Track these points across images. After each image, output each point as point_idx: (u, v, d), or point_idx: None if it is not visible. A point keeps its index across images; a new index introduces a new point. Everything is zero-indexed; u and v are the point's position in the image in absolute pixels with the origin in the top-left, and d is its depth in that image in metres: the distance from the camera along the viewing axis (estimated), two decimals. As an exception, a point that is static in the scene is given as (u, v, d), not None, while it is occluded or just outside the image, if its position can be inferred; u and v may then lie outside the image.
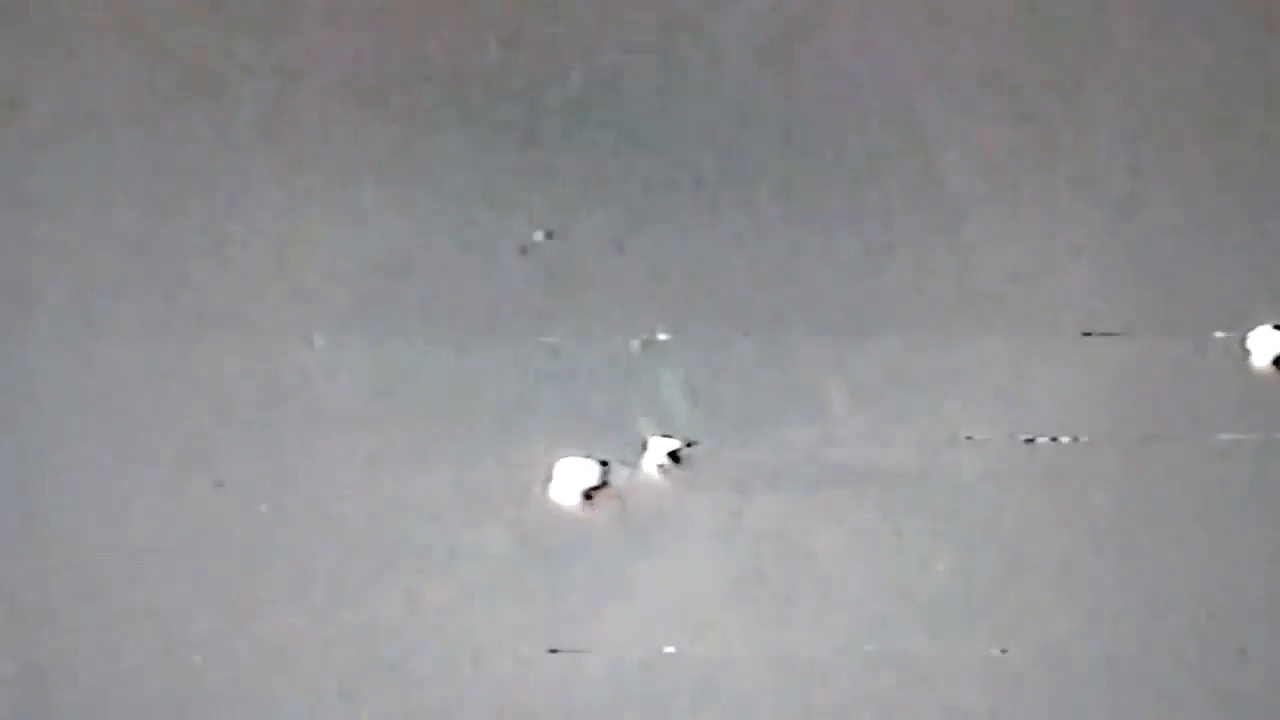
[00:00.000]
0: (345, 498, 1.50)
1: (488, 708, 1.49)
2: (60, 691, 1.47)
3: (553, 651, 1.50)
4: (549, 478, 1.51)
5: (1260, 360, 1.52)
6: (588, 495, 1.50)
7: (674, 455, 1.50)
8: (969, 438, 1.52)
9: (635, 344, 1.53)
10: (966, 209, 1.55)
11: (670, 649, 1.51)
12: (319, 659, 1.48)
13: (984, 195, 1.55)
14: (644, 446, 1.51)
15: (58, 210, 1.51)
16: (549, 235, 1.53)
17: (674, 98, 1.56)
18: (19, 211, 1.51)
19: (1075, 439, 1.52)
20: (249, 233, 1.52)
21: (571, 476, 1.50)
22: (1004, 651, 1.52)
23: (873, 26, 1.56)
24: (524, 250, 1.53)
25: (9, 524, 1.48)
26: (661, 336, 1.54)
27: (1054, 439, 1.53)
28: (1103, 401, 1.53)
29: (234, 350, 1.51)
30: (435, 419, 1.51)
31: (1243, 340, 1.52)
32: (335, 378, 1.51)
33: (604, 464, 1.50)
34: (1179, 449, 1.52)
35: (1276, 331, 1.52)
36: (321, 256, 1.53)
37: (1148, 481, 1.52)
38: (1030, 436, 1.53)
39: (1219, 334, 1.52)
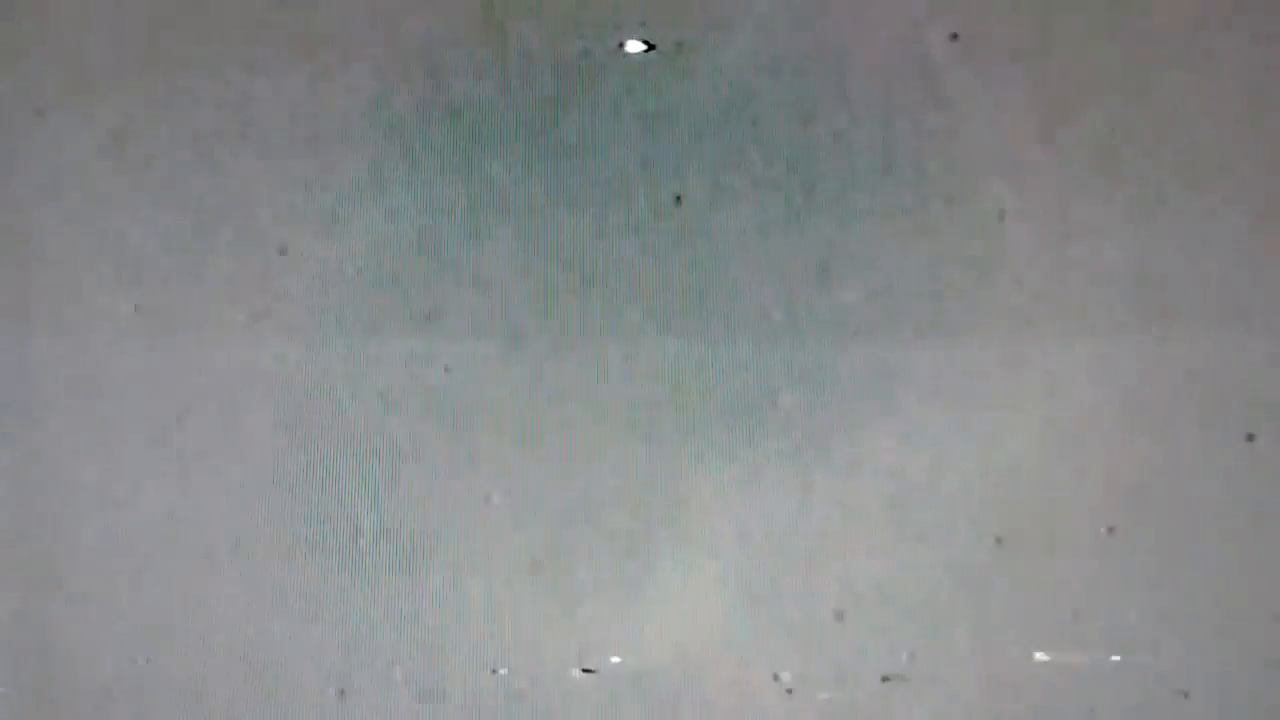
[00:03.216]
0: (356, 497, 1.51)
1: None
2: (62, 687, 1.54)
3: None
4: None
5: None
6: None
7: None
8: (1016, 437, 1.54)
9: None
10: (1015, 207, 1.56)
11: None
12: (332, 660, 1.50)
13: (1037, 194, 1.56)
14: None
15: (60, 211, 1.54)
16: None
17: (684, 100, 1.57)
18: (19, 212, 1.54)
19: (1138, 435, 1.53)
20: (276, 228, 1.54)
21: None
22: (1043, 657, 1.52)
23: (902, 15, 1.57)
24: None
25: (10, 521, 1.51)
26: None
27: (1114, 436, 1.54)
28: (1166, 398, 1.53)
29: (255, 348, 1.53)
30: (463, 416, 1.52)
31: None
32: (345, 378, 1.53)
33: None
34: (1245, 447, 1.53)
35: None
36: (339, 258, 1.54)
37: (1214, 478, 1.53)
38: (1089, 433, 1.54)
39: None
